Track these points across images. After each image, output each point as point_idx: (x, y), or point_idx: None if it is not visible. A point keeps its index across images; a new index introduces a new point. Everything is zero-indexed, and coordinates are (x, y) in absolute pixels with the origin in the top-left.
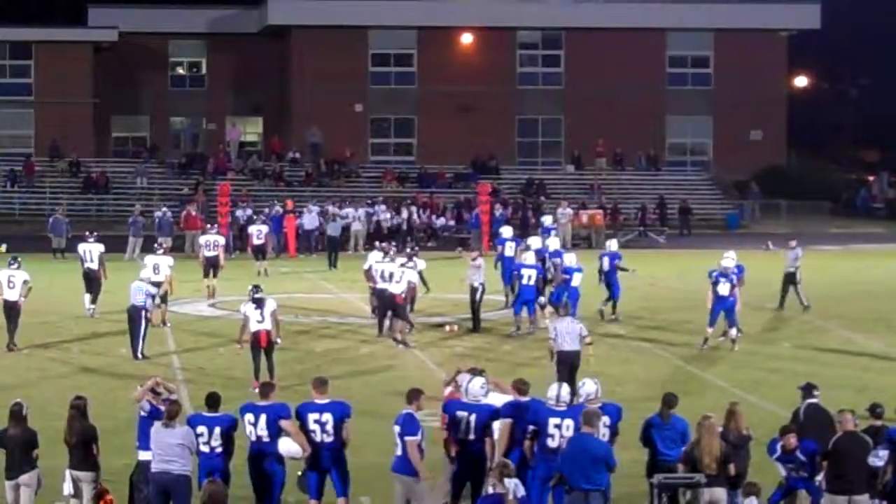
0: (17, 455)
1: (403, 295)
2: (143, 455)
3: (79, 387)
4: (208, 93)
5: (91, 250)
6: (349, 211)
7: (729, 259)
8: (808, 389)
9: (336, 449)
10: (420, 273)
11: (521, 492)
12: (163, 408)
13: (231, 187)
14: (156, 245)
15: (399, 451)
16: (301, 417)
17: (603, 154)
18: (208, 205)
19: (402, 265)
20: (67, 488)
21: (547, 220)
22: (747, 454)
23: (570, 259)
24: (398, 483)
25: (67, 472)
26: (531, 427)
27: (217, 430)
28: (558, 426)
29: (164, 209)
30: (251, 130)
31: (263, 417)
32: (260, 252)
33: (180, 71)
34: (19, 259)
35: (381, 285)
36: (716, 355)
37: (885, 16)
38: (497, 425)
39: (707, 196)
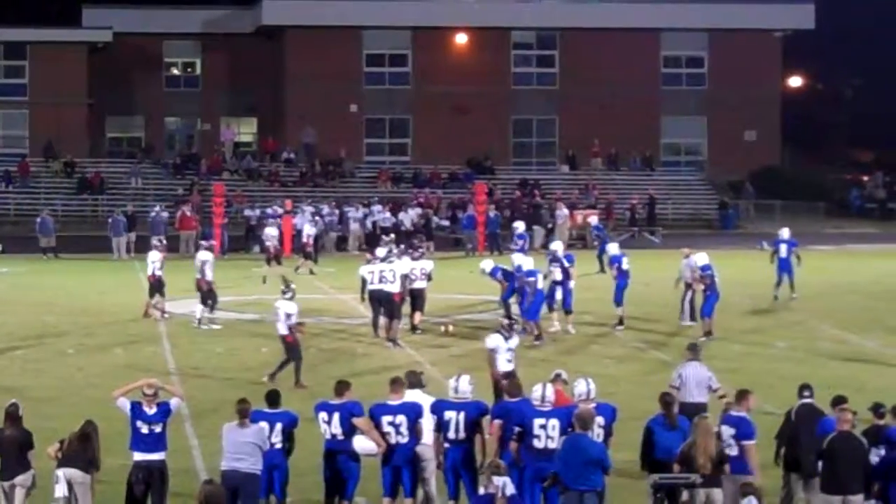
0: (12, 456)
1: (400, 292)
2: (137, 456)
3: (74, 387)
4: (203, 93)
5: (200, 258)
6: (347, 210)
7: (785, 230)
8: (801, 390)
9: (410, 449)
10: (429, 274)
11: (511, 490)
12: (147, 409)
13: (226, 188)
14: (156, 242)
15: (734, 452)
16: (374, 419)
17: (597, 154)
18: (203, 205)
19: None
20: (60, 490)
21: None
22: None
23: (527, 263)
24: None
25: (60, 473)
26: (517, 428)
27: (279, 426)
28: (543, 426)
29: (157, 208)
30: (245, 131)
31: (337, 415)
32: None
33: (175, 71)
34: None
35: (376, 286)
36: (710, 356)
37: (880, 16)
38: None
39: (701, 196)
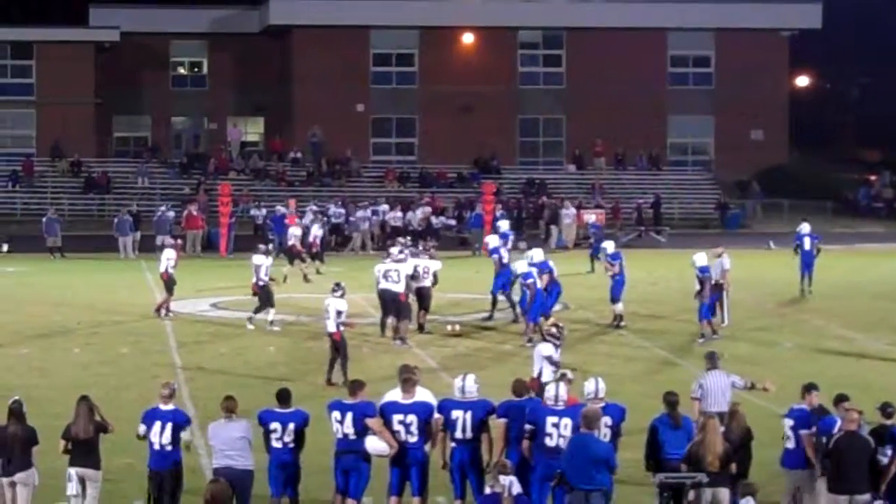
0: (15, 452)
1: (405, 292)
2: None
3: (80, 386)
4: (210, 93)
5: (255, 262)
6: (342, 210)
7: (805, 225)
8: (808, 389)
9: (419, 449)
10: (435, 273)
11: (517, 489)
12: (163, 406)
13: (233, 187)
14: (170, 240)
15: (791, 445)
16: (385, 417)
17: (604, 154)
18: (210, 205)
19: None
20: (72, 488)
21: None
22: (749, 454)
23: (521, 266)
24: (788, 478)
25: (73, 472)
26: (528, 426)
27: (291, 425)
28: (556, 425)
29: (163, 208)
30: (252, 130)
31: (350, 415)
32: None
33: (182, 71)
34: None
35: (383, 285)
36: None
37: (887, 15)
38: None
39: (708, 196)
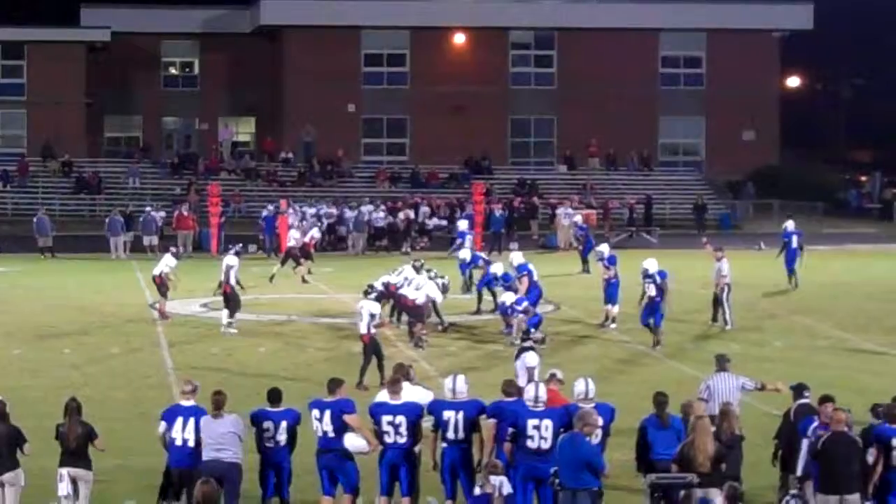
0: (2, 453)
1: (418, 301)
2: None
3: (71, 386)
4: (201, 93)
5: (227, 263)
6: (333, 210)
7: (790, 222)
8: (799, 390)
9: (407, 449)
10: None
11: (508, 489)
12: (185, 402)
13: (223, 187)
14: (173, 249)
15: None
16: (374, 418)
17: (595, 154)
18: (200, 205)
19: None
20: (64, 489)
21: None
22: (740, 455)
23: (497, 269)
24: None
25: (65, 472)
26: (510, 429)
27: (283, 423)
28: (537, 427)
29: (148, 208)
30: (244, 130)
31: (328, 413)
32: None
33: (173, 71)
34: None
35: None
36: (707, 355)
37: (878, 16)
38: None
39: (699, 196)
